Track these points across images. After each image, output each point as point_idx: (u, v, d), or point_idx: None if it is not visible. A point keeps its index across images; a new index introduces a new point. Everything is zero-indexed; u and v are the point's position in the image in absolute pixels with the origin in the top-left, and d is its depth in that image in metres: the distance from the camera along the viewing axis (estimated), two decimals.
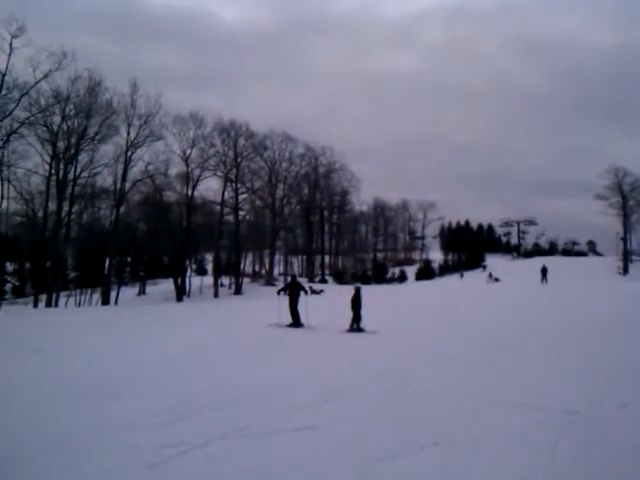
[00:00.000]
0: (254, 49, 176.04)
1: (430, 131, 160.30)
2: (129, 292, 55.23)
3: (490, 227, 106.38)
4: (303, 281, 40.71)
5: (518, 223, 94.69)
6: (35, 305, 37.64)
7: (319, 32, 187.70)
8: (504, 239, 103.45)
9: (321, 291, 38.07)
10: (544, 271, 42.17)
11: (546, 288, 35.61)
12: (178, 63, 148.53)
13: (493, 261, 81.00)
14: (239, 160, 51.85)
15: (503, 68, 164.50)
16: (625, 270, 64.60)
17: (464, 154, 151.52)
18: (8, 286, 52.65)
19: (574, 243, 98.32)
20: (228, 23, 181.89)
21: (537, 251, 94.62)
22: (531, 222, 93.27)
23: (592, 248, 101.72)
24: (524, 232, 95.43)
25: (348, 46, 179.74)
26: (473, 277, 55.16)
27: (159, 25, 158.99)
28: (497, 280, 54.65)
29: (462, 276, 65.63)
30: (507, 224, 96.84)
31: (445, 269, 78.66)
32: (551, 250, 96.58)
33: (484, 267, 71.72)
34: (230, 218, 54.86)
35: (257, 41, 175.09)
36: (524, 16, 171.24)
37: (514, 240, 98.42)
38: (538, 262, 71.17)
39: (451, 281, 59.15)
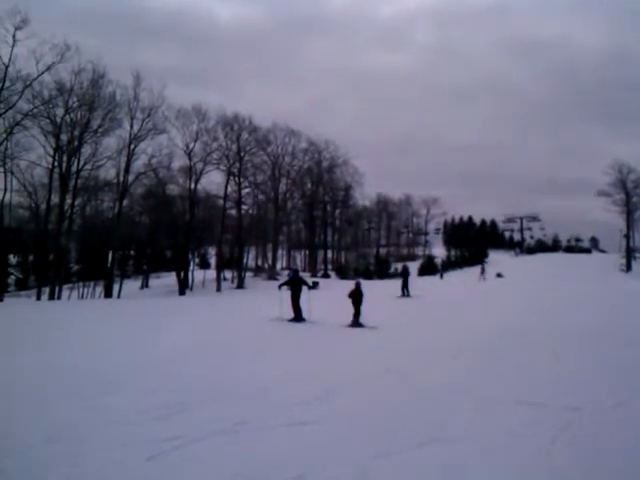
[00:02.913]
0: (251, 46, 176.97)
1: (429, 130, 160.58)
2: (132, 285, 55.24)
3: (493, 223, 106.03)
4: (306, 276, 40.77)
5: (521, 219, 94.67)
6: (38, 298, 37.65)
7: (313, 31, 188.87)
8: (507, 235, 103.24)
9: (315, 284, 37.55)
10: (405, 276, 26.86)
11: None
12: (177, 60, 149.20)
13: (496, 257, 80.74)
14: (242, 154, 51.67)
15: (498, 68, 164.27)
16: (628, 267, 64.43)
17: (464, 153, 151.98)
18: (11, 278, 52.76)
19: (577, 240, 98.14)
20: (225, 21, 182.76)
21: (540, 247, 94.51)
22: (534, 218, 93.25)
23: (595, 245, 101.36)
24: (528, 229, 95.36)
25: (342, 45, 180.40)
26: (474, 274, 53.16)
27: (157, 23, 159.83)
28: (499, 276, 54.31)
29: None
30: (510, 220, 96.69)
31: (448, 265, 78.52)
32: (554, 246, 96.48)
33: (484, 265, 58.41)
34: (233, 212, 54.81)
35: (253, 39, 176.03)
36: (517, 17, 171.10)
37: (517, 236, 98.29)
38: (541, 258, 70.76)
39: (444, 279, 54.45)
